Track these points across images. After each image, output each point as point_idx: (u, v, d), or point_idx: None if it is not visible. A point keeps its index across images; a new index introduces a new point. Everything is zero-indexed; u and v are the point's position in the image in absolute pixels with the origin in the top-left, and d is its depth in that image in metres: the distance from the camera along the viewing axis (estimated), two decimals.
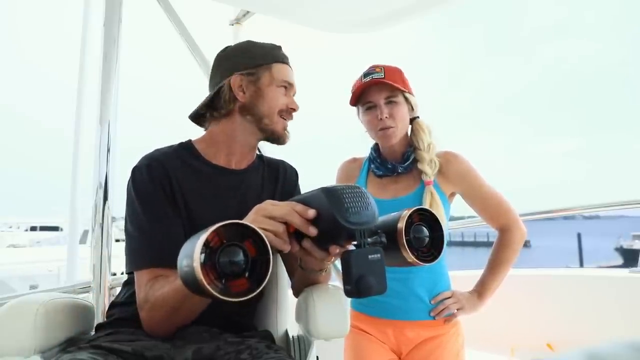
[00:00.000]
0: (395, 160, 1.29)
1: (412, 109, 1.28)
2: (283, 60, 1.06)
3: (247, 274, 0.62)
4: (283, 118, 1.04)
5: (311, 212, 0.71)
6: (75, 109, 2.36)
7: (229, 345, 0.88)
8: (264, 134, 1.04)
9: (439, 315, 1.23)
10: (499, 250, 1.28)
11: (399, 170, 1.27)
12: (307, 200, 0.72)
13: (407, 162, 1.27)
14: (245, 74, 1.01)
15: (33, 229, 18.18)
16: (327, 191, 0.69)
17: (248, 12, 2.10)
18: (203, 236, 0.59)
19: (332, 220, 0.66)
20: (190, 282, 0.61)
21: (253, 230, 0.62)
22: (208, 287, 0.58)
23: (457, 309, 1.24)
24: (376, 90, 1.23)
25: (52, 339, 0.86)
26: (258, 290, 0.62)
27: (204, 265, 0.58)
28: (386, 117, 1.22)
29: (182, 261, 0.63)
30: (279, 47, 1.07)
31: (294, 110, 1.06)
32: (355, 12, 1.94)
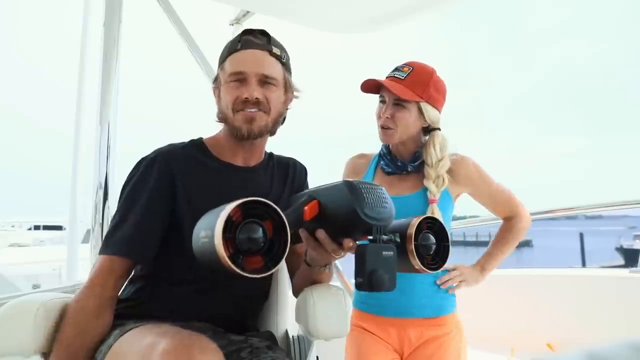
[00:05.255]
0: (405, 159, 1.28)
1: (425, 119, 1.23)
2: (237, 48, 0.97)
3: (263, 252, 0.63)
4: (241, 111, 0.96)
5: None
6: (75, 109, 2.36)
7: (232, 344, 0.90)
8: (234, 136, 0.99)
9: (443, 285, 1.26)
10: (505, 231, 1.34)
11: (409, 169, 1.27)
12: (328, 191, 0.73)
13: (418, 162, 1.26)
14: (214, 81, 1.04)
15: (36, 227, 18.17)
16: (350, 184, 0.70)
17: (248, 12, 2.10)
18: (227, 208, 0.59)
19: (352, 213, 0.68)
20: (207, 253, 0.61)
21: (274, 210, 0.63)
22: (226, 259, 0.58)
23: (460, 281, 1.29)
24: (389, 88, 1.20)
25: (53, 339, 0.85)
26: (273, 270, 0.63)
27: (224, 237, 0.59)
28: (387, 117, 1.20)
29: (199, 232, 0.64)
30: (241, 34, 0.99)
31: (248, 100, 0.94)
32: (355, 12, 1.94)
